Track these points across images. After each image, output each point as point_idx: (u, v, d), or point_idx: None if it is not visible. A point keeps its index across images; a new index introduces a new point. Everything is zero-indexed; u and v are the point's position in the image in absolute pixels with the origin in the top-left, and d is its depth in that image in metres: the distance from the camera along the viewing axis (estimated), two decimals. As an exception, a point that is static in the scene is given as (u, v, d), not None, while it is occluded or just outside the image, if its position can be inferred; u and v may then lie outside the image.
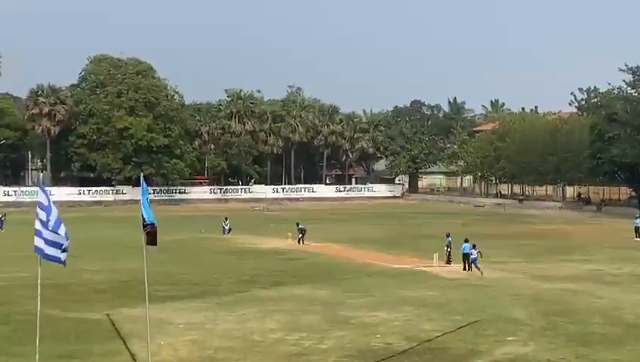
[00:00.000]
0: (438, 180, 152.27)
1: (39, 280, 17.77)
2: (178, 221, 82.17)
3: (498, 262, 53.54)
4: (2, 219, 74.36)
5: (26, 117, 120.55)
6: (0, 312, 36.13)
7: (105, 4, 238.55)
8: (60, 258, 17.15)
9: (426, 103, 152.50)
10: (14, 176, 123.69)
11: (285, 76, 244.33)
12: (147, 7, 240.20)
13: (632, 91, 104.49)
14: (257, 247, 63.21)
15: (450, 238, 54.80)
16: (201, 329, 33.34)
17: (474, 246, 50.74)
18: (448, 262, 52.81)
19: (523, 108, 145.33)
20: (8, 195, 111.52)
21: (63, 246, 17.27)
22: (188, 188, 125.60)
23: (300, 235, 65.18)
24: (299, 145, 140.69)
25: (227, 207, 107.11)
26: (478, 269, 48.98)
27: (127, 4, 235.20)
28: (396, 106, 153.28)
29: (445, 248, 53.88)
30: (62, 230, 17.17)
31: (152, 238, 19.45)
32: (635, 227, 72.65)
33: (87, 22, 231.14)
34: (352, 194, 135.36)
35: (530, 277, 47.56)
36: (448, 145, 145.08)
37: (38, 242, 17.23)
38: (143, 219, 19.80)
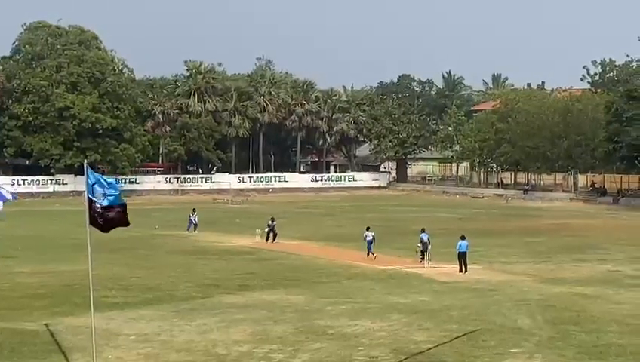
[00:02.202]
0: (431, 168, 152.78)
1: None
2: (129, 215, 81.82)
3: (501, 262, 54.01)
4: None
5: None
6: None
7: None
8: None
9: (416, 78, 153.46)
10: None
11: (253, 46, 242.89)
12: None
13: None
14: (221, 246, 63.15)
15: (426, 234, 55.72)
16: (155, 342, 33.36)
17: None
18: (421, 260, 53.90)
19: (529, 85, 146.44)
20: None
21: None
22: (139, 178, 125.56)
23: (268, 230, 65.31)
24: (269, 127, 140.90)
25: (185, 199, 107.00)
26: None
27: None
28: (381, 82, 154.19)
29: (418, 245, 55.02)
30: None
31: (107, 222, 19.62)
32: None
33: None
34: (331, 184, 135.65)
35: (537, 279, 47.87)
36: (442, 127, 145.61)
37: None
38: (95, 202, 19.87)
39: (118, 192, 19.72)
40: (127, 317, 36.87)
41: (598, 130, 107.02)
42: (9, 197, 17.33)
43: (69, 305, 37.10)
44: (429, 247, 54.44)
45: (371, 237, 57.53)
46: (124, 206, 19.77)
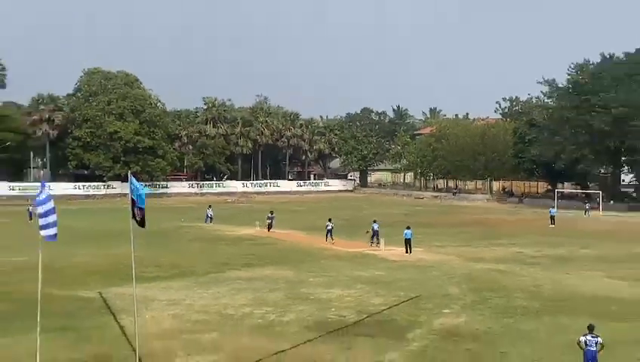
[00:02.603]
0: (385, 176, 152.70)
1: (40, 264, 17.42)
2: (161, 212, 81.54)
3: (436, 246, 53.96)
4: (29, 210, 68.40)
5: (28, 122, 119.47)
6: (1, 292, 35.77)
7: (100, 22, 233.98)
8: (50, 236, 17.00)
9: (374, 110, 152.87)
10: (17, 174, 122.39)
11: (254, 86, 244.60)
12: (136, 25, 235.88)
13: (548, 100, 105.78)
14: (230, 234, 62.94)
15: (376, 224, 56.13)
16: (181, 305, 33.20)
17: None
18: (371, 244, 53.98)
19: (457, 115, 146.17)
20: (12, 190, 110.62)
21: (52, 231, 17.09)
22: (169, 184, 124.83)
23: (269, 221, 64.90)
24: (265, 146, 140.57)
25: (203, 199, 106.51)
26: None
27: (119, 22, 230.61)
28: (348, 113, 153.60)
29: (371, 231, 55.18)
30: (52, 218, 17.02)
31: (141, 221, 19.33)
32: (551, 216, 73.60)
33: (80, 37, 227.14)
34: (311, 188, 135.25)
35: (463, 259, 47.86)
36: (393, 146, 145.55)
37: (45, 230, 17.11)
38: (135, 207, 19.61)
39: (143, 196, 19.41)
40: (159, 288, 36.72)
41: (507, 148, 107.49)
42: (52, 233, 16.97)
43: (116, 278, 36.91)
44: (378, 233, 54.76)
45: (331, 227, 57.44)
46: (141, 208, 19.46)
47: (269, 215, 66.13)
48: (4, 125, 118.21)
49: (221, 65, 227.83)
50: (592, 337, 22.34)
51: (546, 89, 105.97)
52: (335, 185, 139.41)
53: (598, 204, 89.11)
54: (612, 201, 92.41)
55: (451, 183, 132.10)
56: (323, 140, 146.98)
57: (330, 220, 58.30)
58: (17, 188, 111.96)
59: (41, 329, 19.07)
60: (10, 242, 46.88)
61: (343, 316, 31.05)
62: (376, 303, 33.43)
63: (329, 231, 57.27)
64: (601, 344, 22.29)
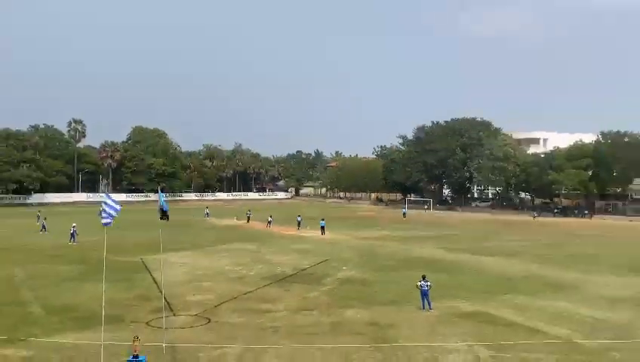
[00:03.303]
0: (310, 190, 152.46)
1: (105, 241, 17.56)
2: (178, 212, 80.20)
3: (339, 230, 53.73)
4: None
5: (99, 157, 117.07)
6: (81, 258, 35.36)
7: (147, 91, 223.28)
8: (108, 221, 16.93)
9: (304, 151, 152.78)
10: (92, 188, 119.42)
11: (234, 136, 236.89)
12: (159, 97, 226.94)
13: (402, 147, 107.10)
14: (219, 224, 62.35)
15: (300, 217, 57.10)
16: (189, 266, 33.21)
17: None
18: (298, 229, 53.95)
19: (350, 155, 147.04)
20: (89, 198, 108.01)
21: (112, 219, 17.03)
22: (183, 195, 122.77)
23: (248, 216, 64.04)
24: (241, 173, 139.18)
25: (204, 204, 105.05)
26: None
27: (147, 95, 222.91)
28: (289, 153, 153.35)
29: (297, 220, 56.05)
30: (114, 212, 17.00)
31: (166, 218, 19.37)
32: (403, 213, 74.66)
33: (131, 100, 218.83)
34: (267, 197, 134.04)
35: (354, 237, 48.20)
36: (315, 173, 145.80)
37: (104, 219, 17.05)
38: (161, 209, 19.63)
39: (166, 204, 19.50)
40: (177, 256, 36.56)
41: (379, 174, 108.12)
42: (118, 207, 16.95)
43: (151, 250, 36.35)
44: (301, 222, 55.57)
45: (271, 219, 57.67)
46: (167, 210, 19.51)
47: (248, 212, 65.81)
48: (86, 159, 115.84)
49: (216, 123, 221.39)
50: (425, 282, 23.19)
51: (401, 140, 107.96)
52: (281, 195, 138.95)
53: (430, 206, 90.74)
54: (438, 205, 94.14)
55: (348, 194, 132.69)
56: (274, 169, 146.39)
57: (271, 216, 58.56)
58: (92, 196, 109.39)
59: (105, 280, 19.15)
60: (86, 229, 46.23)
61: (285, 271, 31.43)
62: (304, 263, 33.81)
63: (269, 222, 57.16)
64: (429, 285, 23.15)
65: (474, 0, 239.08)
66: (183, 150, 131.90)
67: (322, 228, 50.91)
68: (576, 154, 77.74)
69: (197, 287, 26.92)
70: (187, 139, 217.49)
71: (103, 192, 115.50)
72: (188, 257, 36.42)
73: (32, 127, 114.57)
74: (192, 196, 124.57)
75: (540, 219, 72.99)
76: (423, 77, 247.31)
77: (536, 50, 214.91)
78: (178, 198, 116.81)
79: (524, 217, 74.95)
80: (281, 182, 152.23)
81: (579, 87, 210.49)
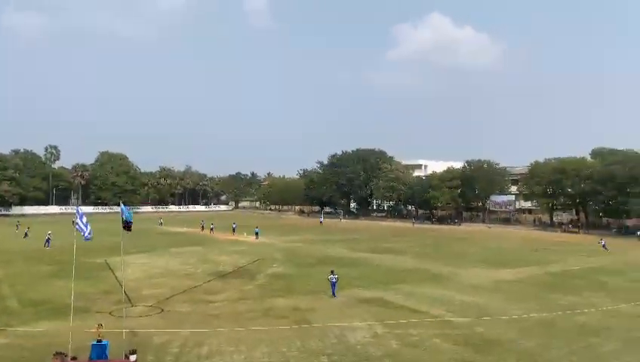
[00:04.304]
0: (250, 203, 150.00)
1: (75, 245, 16.72)
2: (137, 221, 76.46)
3: (270, 236, 53.34)
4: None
5: (71, 176, 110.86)
6: (54, 259, 33.27)
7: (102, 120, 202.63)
8: (88, 237, 16.15)
9: (242, 172, 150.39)
10: (64, 202, 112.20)
11: (187, 157, 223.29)
12: (128, 119, 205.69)
13: (320, 170, 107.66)
14: (172, 231, 60.48)
15: (235, 224, 56.17)
16: (146, 265, 32.01)
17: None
18: (234, 234, 52.86)
19: (280, 175, 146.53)
20: (61, 210, 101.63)
21: (87, 233, 16.26)
22: (142, 207, 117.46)
23: (202, 224, 60.82)
24: (190, 189, 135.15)
25: (158, 215, 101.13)
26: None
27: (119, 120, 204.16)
28: (230, 174, 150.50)
29: (233, 227, 55.10)
30: (88, 226, 16.23)
31: (128, 229, 18.52)
32: (320, 221, 74.93)
33: (98, 127, 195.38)
34: (212, 209, 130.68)
35: (282, 241, 47.94)
36: (250, 189, 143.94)
37: (80, 231, 16.22)
38: (125, 221, 18.76)
39: (131, 215, 18.60)
40: (136, 257, 35.16)
41: (301, 191, 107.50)
42: (88, 235, 16.08)
43: (114, 253, 35.08)
44: (237, 229, 54.74)
45: (213, 226, 56.47)
46: (131, 222, 18.57)
47: (201, 221, 63.07)
48: (60, 178, 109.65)
49: (175, 148, 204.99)
50: (333, 276, 23.51)
51: (318, 165, 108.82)
52: (223, 207, 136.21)
53: (342, 216, 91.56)
54: (347, 215, 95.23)
55: (277, 207, 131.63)
56: (218, 187, 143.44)
57: (212, 224, 57.02)
58: (64, 209, 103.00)
59: (74, 277, 18.22)
60: (58, 236, 43.44)
61: (226, 269, 30.87)
62: (241, 262, 33.34)
63: (212, 229, 55.69)
64: (337, 278, 23.50)
65: (364, 62, 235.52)
66: (142, 170, 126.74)
67: (256, 233, 50.43)
68: (448, 176, 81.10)
69: (152, 283, 25.98)
70: (146, 161, 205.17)
71: (74, 205, 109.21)
72: (145, 258, 35.06)
73: (14, 150, 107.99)
74: (148, 208, 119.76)
75: (421, 225, 75.72)
76: (338, 114, 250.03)
77: (421, 100, 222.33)
78: (137, 210, 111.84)
79: (409, 224, 77.41)
80: (223, 197, 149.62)
81: (450, 127, 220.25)
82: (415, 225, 76.19)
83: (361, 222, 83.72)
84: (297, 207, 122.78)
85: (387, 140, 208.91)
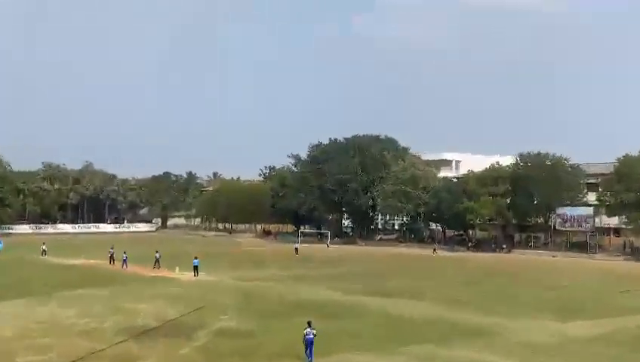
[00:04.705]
0: (181, 220, 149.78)
1: None
2: (7, 249, 75.55)
3: (217, 270, 53.24)
4: None
5: None
6: None
7: None
8: None
9: (172, 173, 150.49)
10: None
11: (83, 151, 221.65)
12: None
13: (294, 168, 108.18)
14: (62, 264, 59.52)
15: (158, 253, 55.31)
16: (21, 318, 31.68)
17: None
18: (155, 268, 53.30)
19: (232, 177, 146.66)
20: None
21: None
22: (15, 227, 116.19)
23: (110, 255, 59.42)
24: (90, 199, 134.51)
25: (41, 239, 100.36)
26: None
27: None
28: (154, 175, 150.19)
29: (156, 257, 54.71)
30: None
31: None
32: (295, 248, 75.12)
33: None
34: (126, 229, 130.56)
35: (236, 279, 48.00)
36: (186, 199, 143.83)
37: None
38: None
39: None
40: (3, 305, 34.62)
41: (267, 200, 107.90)
42: None
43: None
44: (160, 260, 54.40)
45: (126, 257, 55.56)
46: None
47: (110, 249, 61.66)
48: None
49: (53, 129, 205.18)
50: (310, 330, 23.68)
51: (292, 160, 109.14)
52: (143, 227, 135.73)
53: (329, 239, 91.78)
54: (337, 237, 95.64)
55: (228, 226, 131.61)
56: (134, 194, 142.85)
57: (157, 251, 56.02)
58: None
59: None
60: None
61: (147, 322, 30.68)
62: (172, 313, 33.16)
63: (124, 261, 55.33)
64: (315, 334, 23.66)
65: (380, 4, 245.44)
66: (16, 169, 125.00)
67: (195, 267, 50.25)
68: (491, 178, 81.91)
69: (30, 345, 25.65)
70: (22, 155, 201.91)
71: None
72: (18, 306, 34.62)
73: None
74: (25, 228, 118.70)
75: (449, 254, 76.34)
76: (320, 87, 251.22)
77: (445, 64, 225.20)
78: (8, 231, 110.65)
79: (431, 252, 77.97)
80: (143, 211, 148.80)
81: (491, 105, 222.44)
82: (438, 252, 77.01)
83: (359, 249, 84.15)
84: (260, 226, 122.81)
85: (398, 125, 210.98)
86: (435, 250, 78.09)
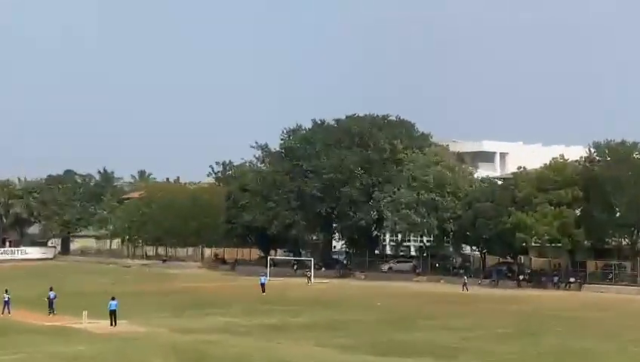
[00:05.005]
0: (90, 243, 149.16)
1: None
2: None
3: (144, 317, 52.89)
4: None
5: None
6: None
7: None
8: None
9: (77, 172, 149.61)
10: None
11: None
12: None
13: (262, 165, 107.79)
14: None
15: (52, 292, 54.99)
16: None
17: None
18: (50, 314, 53.37)
19: (167, 179, 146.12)
20: None
21: None
22: None
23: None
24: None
25: None
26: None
27: None
28: (50, 175, 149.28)
29: (49, 298, 54.34)
30: None
31: None
32: (261, 284, 74.55)
33: None
34: (6, 257, 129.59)
35: (171, 330, 47.45)
36: (99, 211, 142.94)
37: None
38: None
39: None
40: None
41: (220, 213, 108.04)
42: None
43: None
44: (55, 302, 54.23)
45: (7, 298, 55.14)
46: None
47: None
48: None
49: None
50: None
51: (259, 153, 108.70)
52: (33, 253, 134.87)
53: (311, 271, 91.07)
54: (324, 268, 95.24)
55: (161, 250, 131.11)
56: (21, 204, 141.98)
57: (6, 291, 55.76)
58: None
59: None
60: None
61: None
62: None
63: (6, 303, 54.82)
64: None
65: None
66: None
67: (112, 313, 49.70)
68: (554, 179, 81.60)
69: None
70: None
71: None
72: None
73: None
74: None
75: (490, 291, 76.28)
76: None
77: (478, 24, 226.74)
78: None
79: (469, 286, 77.95)
80: (33, 228, 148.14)
81: (548, 77, 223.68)
82: (470, 289, 76.90)
83: (358, 285, 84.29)
84: (210, 250, 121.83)
85: (418, 105, 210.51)
86: (464, 285, 77.70)
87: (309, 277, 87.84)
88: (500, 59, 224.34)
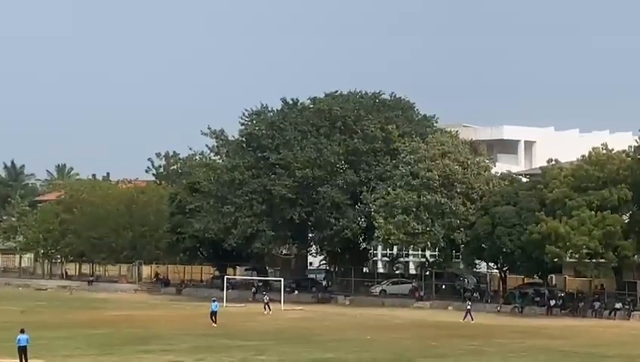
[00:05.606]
0: (2, 257, 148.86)
1: None
2: None
3: (63, 355, 52.54)
4: None
5: None
6: None
7: None
8: None
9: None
10: None
11: None
12: None
13: (216, 158, 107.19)
14: None
15: None
16: None
17: None
18: None
19: (94, 176, 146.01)
20: None
21: None
22: None
23: None
24: None
25: None
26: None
27: None
28: None
29: None
30: None
31: None
32: (212, 312, 74.04)
33: None
34: None
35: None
36: (5, 218, 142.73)
37: None
38: None
39: None
40: None
41: (162, 221, 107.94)
42: None
43: None
44: None
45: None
46: None
47: None
48: None
49: None
50: None
51: (212, 142, 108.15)
52: None
53: (281, 295, 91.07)
54: (297, 292, 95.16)
55: (86, 269, 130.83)
56: None
57: None
58: None
59: None
60: None
61: None
62: None
63: None
64: None
65: None
66: None
67: (22, 350, 49.35)
68: (595, 176, 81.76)
69: None
70: None
71: None
72: None
73: None
74: None
75: (519, 319, 76.37)
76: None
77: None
78: None
79: (485, 314, 77.84)
80: None
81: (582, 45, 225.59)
82: (471, 316, 76.43)
83: (340, 312, 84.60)
84: (150, 268, 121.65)
85: (419, 81, 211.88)
86: (468, 312, 77.34)
87: (267, 304, 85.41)
88: (525, 22, 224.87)
